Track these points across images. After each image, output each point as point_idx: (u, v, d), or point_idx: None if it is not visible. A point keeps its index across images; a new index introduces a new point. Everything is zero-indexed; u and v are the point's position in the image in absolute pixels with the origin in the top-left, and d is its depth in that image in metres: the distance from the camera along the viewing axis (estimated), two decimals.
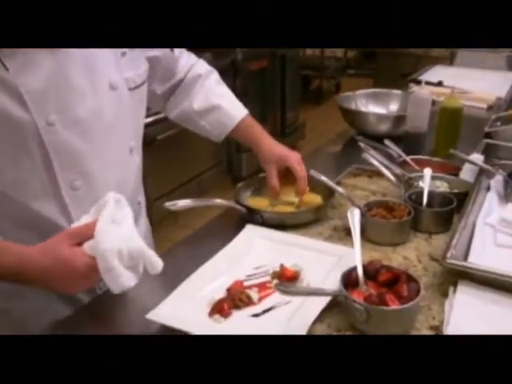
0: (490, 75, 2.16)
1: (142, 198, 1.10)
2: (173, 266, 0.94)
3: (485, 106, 1.85)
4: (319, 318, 0.77)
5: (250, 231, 1.01)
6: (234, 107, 1.15)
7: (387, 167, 1.18)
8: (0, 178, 0.79)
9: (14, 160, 0.79)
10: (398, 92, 1.71)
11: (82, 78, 0.82)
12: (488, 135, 1.36)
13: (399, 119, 1.47)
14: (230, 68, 2.95)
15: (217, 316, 0.78)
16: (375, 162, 1.15)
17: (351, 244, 0.87)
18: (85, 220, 0.78)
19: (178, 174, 2.85)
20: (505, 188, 1.09)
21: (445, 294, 0.83)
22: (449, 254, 0.85)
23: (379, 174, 1.22)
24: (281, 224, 1.03)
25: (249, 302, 0.81)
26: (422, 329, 0.76)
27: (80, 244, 0.73)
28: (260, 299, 0.82)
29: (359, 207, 0.98)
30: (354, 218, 0.88)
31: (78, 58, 0.81)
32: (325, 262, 0.90)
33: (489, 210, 1.05)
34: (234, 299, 0.80)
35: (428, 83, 1.78)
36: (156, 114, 2.29)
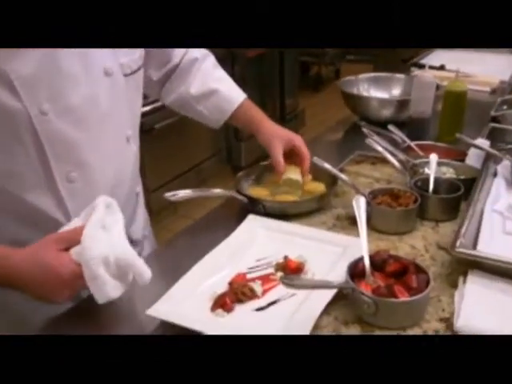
0: (491, 58, 2.12)
1: (139, 189, 1.08)
2: (173, 259, 0.92)
3: (488, 89, 1.81)
4: (325, 311, 0.74)
5: (252, 221, 0.98)
6: (233, 91, 1.11)
7: (392, 153, 1.14)
8: None
9: (7, 151, 0.77)
10: (400, 76, 1.67)
11: (75, 64, 0.79)
12: (494, 119, 1.33)
13: (402, 104, 1.44)
14: (227, 55, 2.90)
15: (219, 311, 0.75)
16: (379, 148, 1.12)
17: (356, 233, 0.84)
18: (74, 224, 0.76)
19: (176, 163, 2.81)
20: None
21: (454, 285, 0.81)
22: (458, 243, 0.82)
23: (383, 161, 1.19)
24: (283, 213, 1.00)
25: (252, 295, 0.78)
26: (432, 321, 0.74)
27: (68, 249, 0.72)
28: (264, 292, 0.79)
29: (364, 195, 0.95)
30: (360, 206, 0.85)
31: None
32: (329, 252, 0.88)
33: (496, 197, 1.02)
34: (236, 293, 0.77)
35: (431, 67, 1.75)
36: (154, 102, 2.28)
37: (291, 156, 1.07)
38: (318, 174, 1.09)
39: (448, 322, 0.73)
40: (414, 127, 1.36)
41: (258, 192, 1.07)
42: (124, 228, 0.77)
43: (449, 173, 1.12)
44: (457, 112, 1.34)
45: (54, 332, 0.75)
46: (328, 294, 0.75)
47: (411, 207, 0.95)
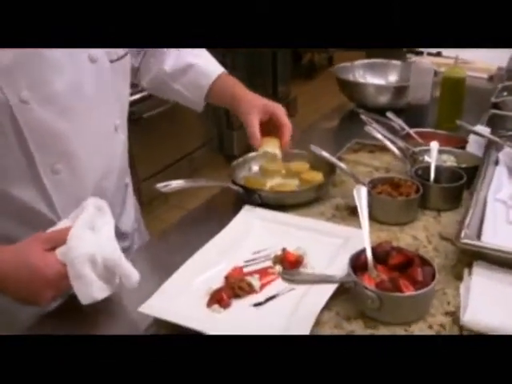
0: None
1: (128, 179, 1.04)
2: (165, 253, 0.88)
3: (486, 76, 1.78)
4: (326, 306, 0.71)
5: (248, 212, 0.94)
6: (210, 65, 1.04)
7: (391, 141, 1.11)
8: None
9: None
10: (396, 62, 1.63)
11: (58, 50, 0.74)
12: (495, 106, 1.30)
13: (400, 90, 1.41)
14: None
15: (216, 306, 0.71)
16: (379, 136, 1.09)
17: (355, 224, 0.81)
18: (63, 224, 0.74)
19: (167, 152, 2.76)
20: None
21: (459, 277, 0.78)
22: (463, 234, 0.79)
23: (381, 149, 1.15)
24: (280, 204, 0.96)
25: (250, 290, 0.74)
26: (437, 315, 0.71)
27: (53, 249, 0.69)
28: (262, 287, 0.76)
29: (365, 184, 0.92)
30: (361, 196, 0.81)
31: None
32: (329, 244, 0.84)
33: (499, 185, 0.99)
34: (233, 287, 0.74)
35: (428, 54, 1.71)
36: (142, 90, 2.22)
37: (271, 126, 1.00)
38: (315, 162, 1.05)
39: (454, 315, 0.70)
40: (413, 114, 1.32)
41: (254, 181, 1.03)
42: (114, 230, 0.74)
43: (450, 161, 1.08)
44: (456, 98, 1.31)
45: (41, 331, 0.71)
46: (329, 289, 0.72)
47: (413, 197, 0.92)
